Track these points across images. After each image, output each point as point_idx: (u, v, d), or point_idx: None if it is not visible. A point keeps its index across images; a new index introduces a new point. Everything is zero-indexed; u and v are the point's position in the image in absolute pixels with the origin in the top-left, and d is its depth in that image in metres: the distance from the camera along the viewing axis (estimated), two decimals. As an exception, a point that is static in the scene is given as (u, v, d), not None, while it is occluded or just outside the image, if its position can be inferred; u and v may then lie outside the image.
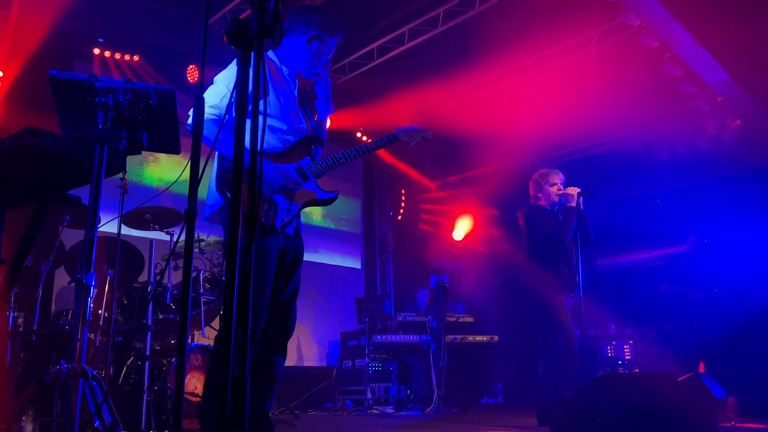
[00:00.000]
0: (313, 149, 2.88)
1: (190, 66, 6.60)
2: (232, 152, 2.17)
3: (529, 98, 7.38)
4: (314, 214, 8.22)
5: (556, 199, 4.68)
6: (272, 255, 2.66)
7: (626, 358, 6.83)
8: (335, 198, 2.86)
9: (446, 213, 9.79)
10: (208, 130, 2.61)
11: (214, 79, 2.77)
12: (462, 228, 9.36)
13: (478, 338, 7.21)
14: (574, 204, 4.55)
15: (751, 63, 6.09)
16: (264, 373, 2.68)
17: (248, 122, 1.41)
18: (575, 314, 4.42)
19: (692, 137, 7.58)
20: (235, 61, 2.68)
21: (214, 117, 2.64)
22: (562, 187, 4.70)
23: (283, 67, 2.87)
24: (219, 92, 2.69)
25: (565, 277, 4.48)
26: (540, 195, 4.76)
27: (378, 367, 6.62)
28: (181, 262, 4.73)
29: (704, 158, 7.43)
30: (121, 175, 3.82)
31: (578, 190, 4.61)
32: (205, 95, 2.68)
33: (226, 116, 2.53)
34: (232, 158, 1.40)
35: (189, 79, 6.59)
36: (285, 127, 2.81)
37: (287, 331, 2.79)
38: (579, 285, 4.44)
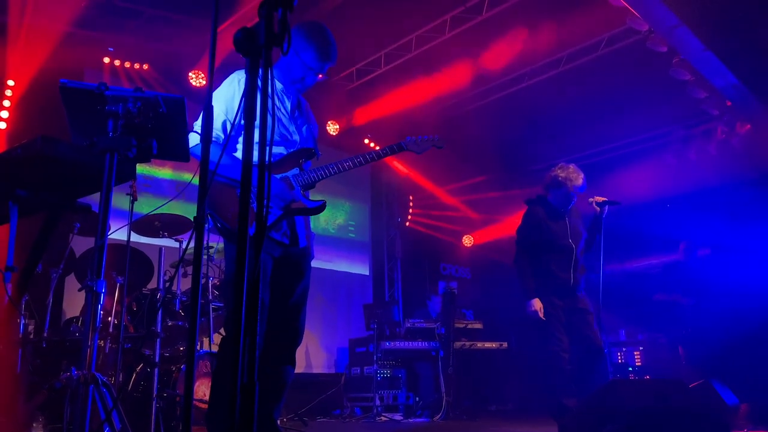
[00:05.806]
0: (303, 161, 2.81)
1: (193, 71, 6.63)
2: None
3: (538, 103, 7.38)
4: (322, 221, 8.23)
5: (570, 202, 4.38)
6: (264, 264, 2.57)
7: (637, 364, 6.78)
8: (323, 207, 2.75)
9: (455, 219, 9.78)
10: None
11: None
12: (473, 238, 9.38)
13: (488, 344, 7.17)
14: (598, 210, 4.40)
15: (760, 67, 6.07)
16: (271, 383, 2.64)
17: (240, 139, 1.42)
18: (574, 318, 4.30)
19: (702, 142, 7.56)
20: (227, 80, 2.75)
21: (213, 138, 2.53)
22: (592, 198, 4.44)
23: (277, 82, 2.85)
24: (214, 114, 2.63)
25: (557, 278, 4.28)
26: (552, 192, 4.42)
27: (386, 373, 6.60)
28: (190, 269, 4.74)
29: (714, 163, 7.39)
30: (131, 182, 3.86)
31: (604, 199, 4.39)
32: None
33: (223, 136, 2.64)
34: (238, 171, 1.40)
35: (192, 83, 6.64)
36: (277, 139, 2.77)
37: (295, 341, 2.76)
38: (579, 289, 4.33)
